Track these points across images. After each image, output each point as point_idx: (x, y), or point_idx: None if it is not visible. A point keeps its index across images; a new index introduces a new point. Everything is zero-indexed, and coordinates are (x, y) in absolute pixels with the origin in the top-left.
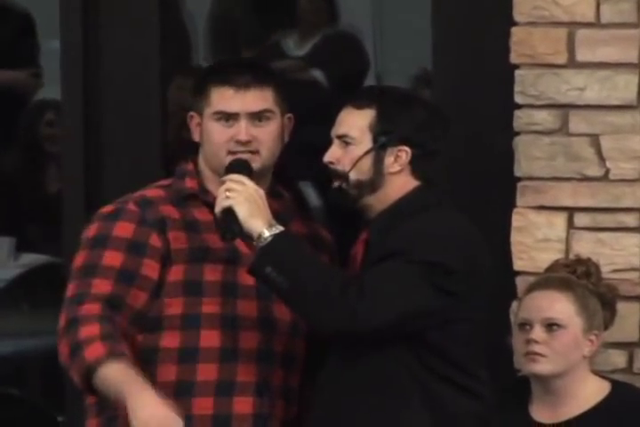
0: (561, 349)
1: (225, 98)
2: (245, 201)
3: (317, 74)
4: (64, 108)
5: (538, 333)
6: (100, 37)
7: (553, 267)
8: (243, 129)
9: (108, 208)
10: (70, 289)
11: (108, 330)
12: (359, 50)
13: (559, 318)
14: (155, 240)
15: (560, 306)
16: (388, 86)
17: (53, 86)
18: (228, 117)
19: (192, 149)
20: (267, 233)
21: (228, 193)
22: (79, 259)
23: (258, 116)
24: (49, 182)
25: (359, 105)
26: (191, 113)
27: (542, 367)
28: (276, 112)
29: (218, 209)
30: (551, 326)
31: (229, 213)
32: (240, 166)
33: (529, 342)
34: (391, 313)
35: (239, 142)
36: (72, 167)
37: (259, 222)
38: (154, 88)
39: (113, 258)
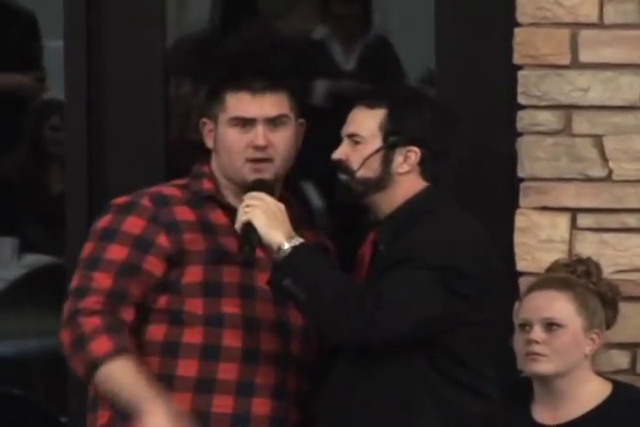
0: (561, 348)
1: (242, 103)
2: (264, 214)
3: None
4: (68, 109)
5: (537, 333)
6: (104, 38)
7: (553, 267)
8: (260, 134)
9: (122, 199)
10: (73, 281)
11: (112, 323)
12: (395, 61)
13: (558, 317)
14: (162, 240)
15: (559, 305)
16: (397, 86)
17: (58, 88)
18: (245, 123)
19: (196, 150)
20: (286, 245)
21: (246, 209)
22: (86, 250)
23: (274, 122)
24: (51, 184)
25: (370, 104)
26: (204, 119)
27: (543, 367)
28: (291, 117)
29: (238, 225)
30: (551, 325)
31: (249, 227)
32: (260, 186)
33: (529, 342)
34: (409, 322)
35: (256, 148)
36: (76, 169)
37: (278, 235)
38: (158, 89)
39: (117, 252)
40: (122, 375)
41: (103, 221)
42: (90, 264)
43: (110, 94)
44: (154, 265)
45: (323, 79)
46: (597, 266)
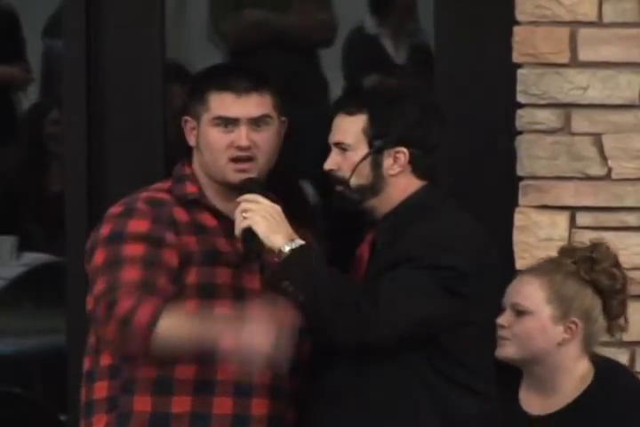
0: (523, 334)
1: (225, 103)
2: (263, 219)
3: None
4: (67, 106)
5: (505, 317)
6: (103, 36)
7: (562, 250)
8: (243, 134)
9: (117, 208)
10: (99, 284)
11: (148, 294)
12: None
13: (524, 303)
14: (170, 236)
15: (527, 291)
16: (376, 87)
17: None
18: (228, 123)
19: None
20: (286, 248)
21: (244, 214)
22: (98, 257)
23: (257, 122)
24: (51, 181)
25: (350, 111)
26: (186, 117)
27: (504, 351)
28: (274, 117)
29: (237, 231)
30: (518, 310)
31: (250, 233)
32: (252, 186)
33: (497, 326)
34: (407, 323)
35: (239, 148)
36: (75, 166)
37: (278, 238)
38: (157, 87)
39: (134, 249)
40: (179, 328)
41: (105, 229)
42: (110, 266)
43: (110, 92)
44: (170, 258)
45: (373, 72)
46: (607, 253)
